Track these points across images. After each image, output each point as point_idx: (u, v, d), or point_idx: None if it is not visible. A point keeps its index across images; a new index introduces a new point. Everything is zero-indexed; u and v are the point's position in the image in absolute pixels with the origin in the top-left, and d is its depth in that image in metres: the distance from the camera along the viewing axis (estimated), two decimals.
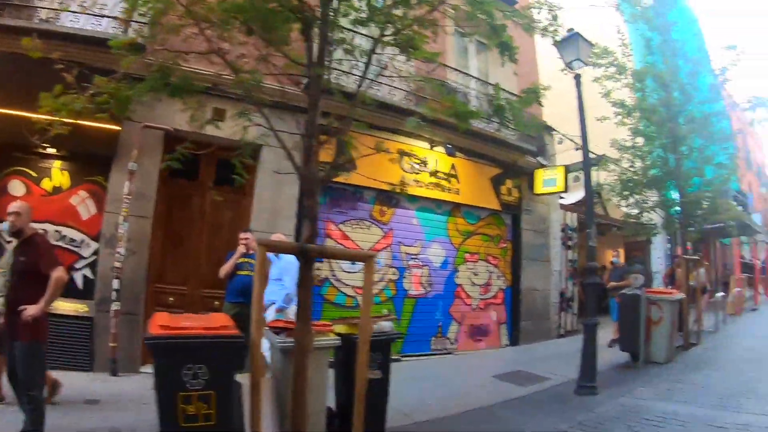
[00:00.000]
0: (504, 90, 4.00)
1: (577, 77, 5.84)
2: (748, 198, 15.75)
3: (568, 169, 8.76)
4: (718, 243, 20.28)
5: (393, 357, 6.46)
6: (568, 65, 5.86)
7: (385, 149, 3.77)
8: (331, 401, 3.55)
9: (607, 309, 8.52)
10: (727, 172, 9.43)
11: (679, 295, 7.31)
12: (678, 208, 8.99)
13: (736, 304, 12.78)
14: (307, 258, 2.79)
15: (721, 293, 11.47)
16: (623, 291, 7.06)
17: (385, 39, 3.20)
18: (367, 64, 3.26)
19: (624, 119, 8.95)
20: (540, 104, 5.54)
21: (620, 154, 9.34)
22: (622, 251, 14.79)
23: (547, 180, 8.94)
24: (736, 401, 4.55)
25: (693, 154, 8.83)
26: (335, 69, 3.52)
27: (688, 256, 8.67)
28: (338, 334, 3.52)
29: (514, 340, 8.57)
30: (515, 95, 4.29)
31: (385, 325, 3.90)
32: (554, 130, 10.09)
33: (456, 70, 8.06)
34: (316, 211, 2.95)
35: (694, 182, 8.99)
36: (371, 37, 3.32)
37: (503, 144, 8.40)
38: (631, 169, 9.23)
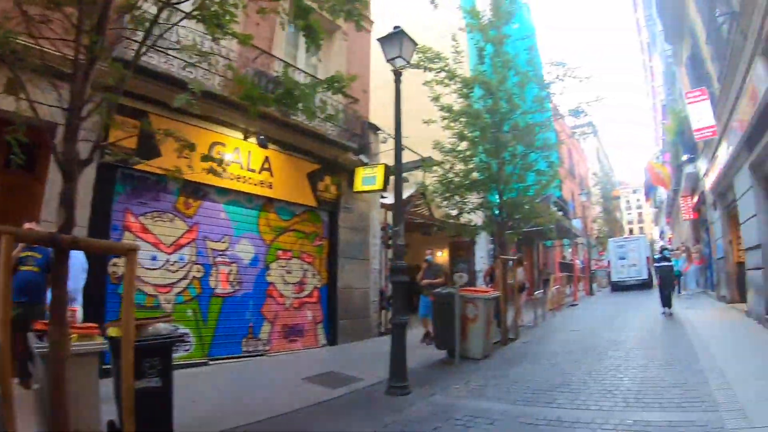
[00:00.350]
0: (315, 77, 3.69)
1: (397, 74, 5.80)
2: (569, 205, 18.37)
3: (388, 168, 8.67)
4: (541, 245, 23.29)
5: (198, 361, 6.16)
6: (390, 61, 5.79)
7: (160, 131, 3.37)
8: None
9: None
10: (547, 179, 10.15)
11: (495, 293, 7.63)
12: (497, 211, 9.46)
13: (556, 301, 13.58)
14: (59, 249, 2.56)
15: (541, 291, 12.73)
16: (437, 289, 7.19)
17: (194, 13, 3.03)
18: (148, 32, 3.01)
19: (450, 123, 9.24)
20: (345, 94, 5.37)
21: (443, 157, 9.59)
22: (439, 251, 15.67)
23: (366, 178, 8.95)
24: (549, 395, 4.59)
25: (515, 160, 9.23)
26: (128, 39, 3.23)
27: (505, 256, 9.08)
28: (110, 338, 3.28)
29: (332, 340, 8.48)
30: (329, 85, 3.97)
31: (163, 327, 3.59)
32: (379, 129, 10.19)
33: (281, 60, 7.61)
34: (73, 196, 2.69)
35: (514, 187, 9.46)
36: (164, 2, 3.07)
37: (323, 139, 8.22)
38: (453, 171, 9.45)
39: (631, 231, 63.18)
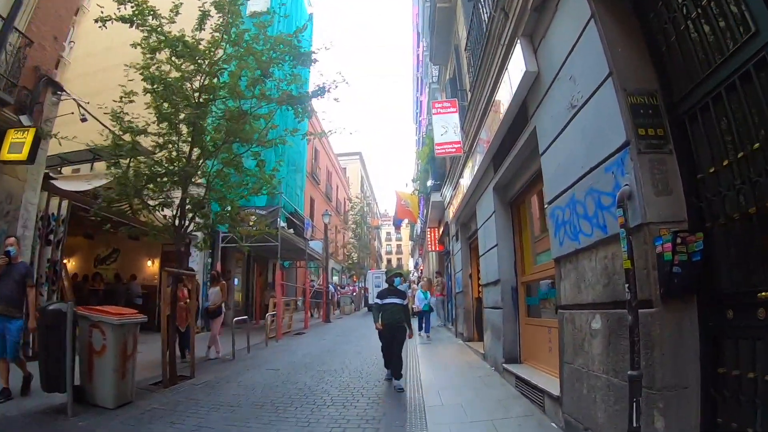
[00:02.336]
0: None
1: None
2: (306, 224, 16.27)
3: (40, 134, 7.13)
4: (278, 264, 20.99)
5: None
6: None
7: None
8: None
9: None
10: (255, 182, 8.06)
11: (135, 317, 5.51)
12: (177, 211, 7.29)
13: (278, 327, 12.40)
14: None
15: (244, 317, 10.79)
16: (44, 306, 5.28)
17: None
18: None
19: (153, 100, 6.94)
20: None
21: (132, 137, 6.89)
22: (149, 260, 13.70)
23: (14, 144, 7.08)
24: None
25: (225, 155, 7.38)
26: None
27: (175, 270, 7.15)
28: None
29: None
30: None
31: None
32: (64, 91, 8.38)
33: None
34: None
35: (218, 187, 7.56)
36: None
37: None
38: (139, 161, 7.08)
39: (389, 262, 68.92)
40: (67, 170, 11.32)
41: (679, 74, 2.83)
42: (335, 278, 34.05)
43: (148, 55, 6.96)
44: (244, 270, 17.98)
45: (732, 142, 2.41)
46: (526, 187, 5.93)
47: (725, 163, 2.43)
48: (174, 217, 7.34)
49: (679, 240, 2.47)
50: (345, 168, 43.81)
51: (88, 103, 8.79)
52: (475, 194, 8.07)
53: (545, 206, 4.35)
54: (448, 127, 8.12)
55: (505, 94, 5.21)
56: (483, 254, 7.57)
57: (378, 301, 6.35)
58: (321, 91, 7.75)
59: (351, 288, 30.60)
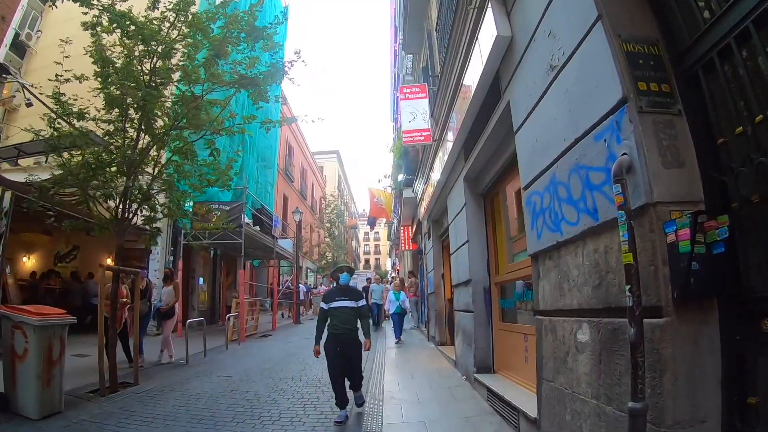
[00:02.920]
0: None
1: None
2: (274, 221, 15.36)
3: None
4: (249, 264, 20.09)
5: None
6: None
7: None
8: None
9: None
10: (210, 172, 7.24)
11: (61, 318, 4.95)
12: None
13: (241, 330, 11.62)
14: None
15: (200, 318, 10.03)
16: None
17: None
18: None
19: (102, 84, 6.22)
20: None
21: (70, 123, 6.27)
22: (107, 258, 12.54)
23: None
24: None
25: (178, 143, 6.75)
26: None
27: (114, 267, 6.53)
28: None
29: None
30: None
31: None
32: (10, 74, 8.06)
33: None
34: None
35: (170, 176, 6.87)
36: None
37: None
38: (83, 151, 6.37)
39: (367, 262, 68.00)
40: (29, 161, 10.24)
41: (686, 17, 2.19)
42: (310, 278, 33.10)
43: (97, 36, 6.34)
44: (211, 269, 16.97)
45: (766, 92, 1.77)
46: (500, 175, 5.29)
47: (758, 119, 1.79)
48: (116, 208, 6.55)
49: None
50: (322, 167, 42.92)
51: (33, 86, 7.98)
52: (446, 187, 7.41)
53: (522, 192, 3.69)
54: (416, 114, 7.43)
55: (475, 69, 4.54)
56: (454, 252, 6.92)
57: (323, 305, 4.85)
58: (277, 72, 6.98)
59: (326, 288, 29.73)
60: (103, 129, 6.61)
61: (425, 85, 7.80)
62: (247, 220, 13.41)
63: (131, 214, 6.62)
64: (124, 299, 7.32)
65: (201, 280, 15.35)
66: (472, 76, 4.70)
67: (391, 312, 11.13)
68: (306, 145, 33.27)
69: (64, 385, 4.95)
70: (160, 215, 7.23)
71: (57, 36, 7.48)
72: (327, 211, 33.48)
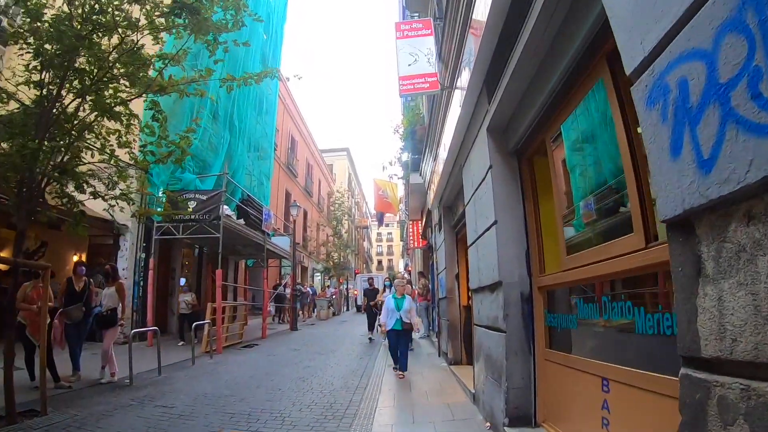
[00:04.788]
0: None
1: None
2: (265, 215, 13.44)
3: None
4: (243, 264, 18.33)
5: None
6: None
7: None
8: None
9: None
10: (155, 141, 5.73)
11: None
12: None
13: (218, 339, 10.01)
14: None
15: (153, 327, 8.81)
16: None
17: None
18: None
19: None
20: None
21: None
22: (75, 254, 11.66)
23: None
24: None
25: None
26: None
27: (14, 259, 4.98)
28: None
29: None
30: None
31: None
32: None
33: None
34: None
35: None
36: None
37: None
38: None
39: (379, 263, 65.91)
40: None
41: None
42: (317, 279, 31.19)
43: None
44: (195, 269, 15.21)
45: None
46: (548, 112, 3.25)
47: None
48: (19, 182, 4.96)
49: None
50: (331, 165, 41.14)
51: None
52: (462, 153, 5.39)
53: (634, 84, 1.65)
54: (418, 55, 5.39)
55: None
56: (473, 242, 4.88)
57: None
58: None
59: (334, 290, 27.79)
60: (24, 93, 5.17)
61: (429, 20, 5.76)
62: (228, 211, 11.57)
63: (39, 187, 4.96)
64: (39, 304, 5.64)
65: (183, 281, 13.60)
66: None
67: (388, 329, 7.01)
68: (312, 140, 31.49)
69: None
70: (80, 194, 5.49)
71: None
72: (333, 208, 31.57)
